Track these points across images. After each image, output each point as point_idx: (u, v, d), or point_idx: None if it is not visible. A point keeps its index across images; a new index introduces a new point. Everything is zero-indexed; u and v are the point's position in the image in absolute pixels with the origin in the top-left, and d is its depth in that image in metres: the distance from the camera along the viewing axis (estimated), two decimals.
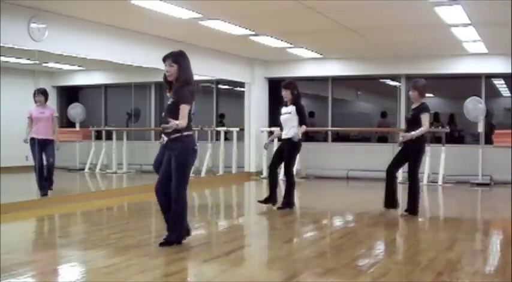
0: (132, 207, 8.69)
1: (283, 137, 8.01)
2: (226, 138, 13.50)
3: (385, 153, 12.52)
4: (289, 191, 8.05)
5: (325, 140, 14.28)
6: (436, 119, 14.39)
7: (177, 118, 5.21)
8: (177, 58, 5.42)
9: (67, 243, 5.95)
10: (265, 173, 13.09)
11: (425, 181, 11.65)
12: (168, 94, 5.59)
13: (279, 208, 7.99)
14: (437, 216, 8.35)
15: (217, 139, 13.36)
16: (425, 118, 7.26)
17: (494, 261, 5.25)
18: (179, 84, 5.37)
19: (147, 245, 5.73)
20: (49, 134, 8.84)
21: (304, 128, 7.89)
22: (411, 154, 7.41)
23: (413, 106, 7.48)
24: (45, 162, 8.79)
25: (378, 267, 4.81)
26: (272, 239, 6.36)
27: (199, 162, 12.90)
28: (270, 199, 8.06)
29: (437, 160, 11.72)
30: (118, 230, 6.52)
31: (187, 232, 5.59)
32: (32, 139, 8.75)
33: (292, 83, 8.05)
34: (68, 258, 5.16)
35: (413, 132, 7.19)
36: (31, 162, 9.29)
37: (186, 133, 5.34)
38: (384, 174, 12.22)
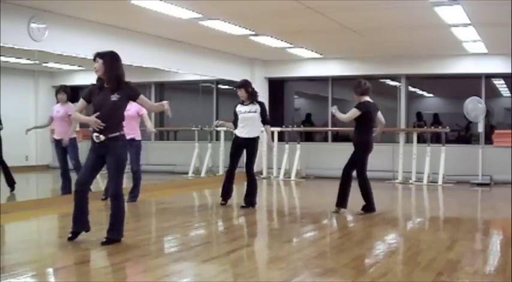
0: (131, 207, 8.68)
1: (246, 135, 8.13)
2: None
3: (385, 153, 12.55)
4: (253, 190, 8.33)
5: (325, 140, 14.29)
6: (419, 118, 14.49)
7: (121, 114, 5.52)
8: (104, 55, 5.59)
9: (67, 243, 5.94)
10: (265, 173, 13.11)
11: (425, 181, 11.66)
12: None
13: (242, 207, 8.20)
14: (437, 216, 8.35)
15: (217, 139, 13.37)
16: (352, 111, 7.52)
17: (494, 261, 5.25)
18: (119, 81, 5.52)
19: (147, 245, 5.74)
20: (65, 133, 8.62)
21: (269, 128, 8.33)
22: (356, 151, 7.71)
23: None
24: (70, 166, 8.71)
25: (377, 267, 4.81)
26: (272, 239, 6.36)
27: (199, 162, 12.92)
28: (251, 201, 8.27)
29: (437, 160, 11.73)
30: None
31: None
32: (54, 140, 8.69)
33: (246, 82, 8.25)
34: (68, 258, 5.16)
35: (339, 113, 7.59)
36: (31, 162, 9.29)
37: (123, 132, 5.56)
38: (382, 174, 12.32)
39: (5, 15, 7.42)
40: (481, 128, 11.91)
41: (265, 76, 13.84)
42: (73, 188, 6.07)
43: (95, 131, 5.49)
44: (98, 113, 5.54)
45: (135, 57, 9.95)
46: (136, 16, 8.56)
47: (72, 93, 8.79)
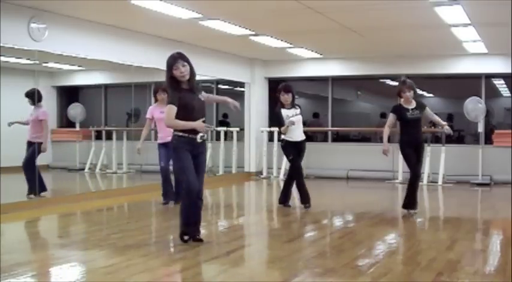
0: (132, 207, 8.69)
1: (300, 138, 8.19)
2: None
3: None
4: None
5: (325, 140, 14.28)
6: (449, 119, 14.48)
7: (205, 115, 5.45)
8: (186, 58, 5.53)
9: (67, 243, 5.95)
10: (265, 173, 13.11)
11: (425, 181, 11.66)
12: (169, 95, 5.60)
13: (307, 207, 8.17)
14: (437, 216, 8.35)
15: (217, 139, 13.37)
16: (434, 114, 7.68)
17: (494, 261, 5.25)
18: (195, 83, 5.55)
19: (147, 245, 5.74)
20: (38, 137, 8.83)
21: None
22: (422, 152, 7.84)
23: (413, 106, 7.51)
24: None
25: (378, 267, 4.80)
26: (272, 239, 6.36)
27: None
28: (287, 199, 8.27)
29: (437, 160, 11.72)
30: (118, 230, 6.52)
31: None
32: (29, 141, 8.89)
33: (291, 86, 8.29)
34: (68, 258, 5.16)
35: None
36: None
37: None
38: (382, 174, 12.32)
39: (5, 15, 7.41)
40: (481, 128, 11.91)
41: (265, 76, 13.84)
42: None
43: (197, 132, 5.41)
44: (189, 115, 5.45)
45: (135, 57, 9.96)
46: (136, 16, 8.56)
47: (72, 93, 8.83)
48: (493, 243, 6.25)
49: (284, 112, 8.03)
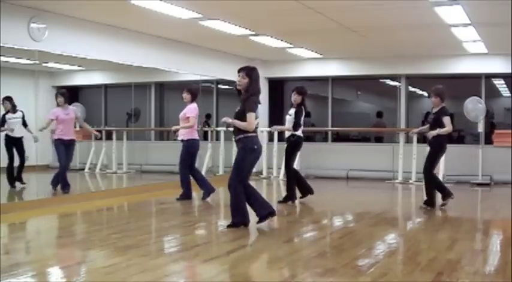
0: (132, 207, 8.69)
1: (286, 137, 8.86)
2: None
3: (385, 153, 12.56)
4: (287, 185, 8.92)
5: (325, 140, 14.28)
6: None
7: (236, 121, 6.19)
8: (249, 73, 6.23)
9: (67, 243, 5.95)
10: (265, 173, 13.10)
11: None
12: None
13: (280, 202, 8.64)
14: (437, 216, 8.35)
15: (217, 139, 13.36)
16: (449, 120, 7.96)
17: (494, 261, 5.25)
18: (247, 96, 6.19)
19: (147, 245, 5.74)
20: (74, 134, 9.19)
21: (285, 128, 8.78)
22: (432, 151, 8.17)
23: (434, 110, 8.08)
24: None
25: (377, 267, 4.80)
26: (272, 239, 6.35)
27: (199, 162, 12.90)
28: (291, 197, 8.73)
29: None
30: (118, 230, 6.52)
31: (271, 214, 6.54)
32: (61, 140, 9.01)
33: (303, 88, 8.72)
34: (68, 258, 5.16)
35: (437, 131, 7.88)
36: (31, 162, 9.31)
37: (245, 135, 6.18)
38: (382, 174, 12.32)
39: (5, 15, 7.42)
40: (481, 128, 11.90)
41: (265, 76, 13.82)
42: None
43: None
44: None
45: (135, 57, 9.96)
46: (136, 16, 8.56)
47: (72, 93, 8.86)
48: (493, 243, 6.25)
49: (290, 110, 8.65)
